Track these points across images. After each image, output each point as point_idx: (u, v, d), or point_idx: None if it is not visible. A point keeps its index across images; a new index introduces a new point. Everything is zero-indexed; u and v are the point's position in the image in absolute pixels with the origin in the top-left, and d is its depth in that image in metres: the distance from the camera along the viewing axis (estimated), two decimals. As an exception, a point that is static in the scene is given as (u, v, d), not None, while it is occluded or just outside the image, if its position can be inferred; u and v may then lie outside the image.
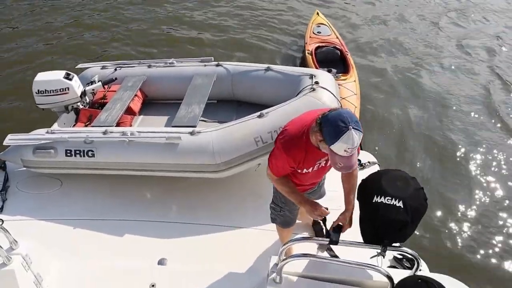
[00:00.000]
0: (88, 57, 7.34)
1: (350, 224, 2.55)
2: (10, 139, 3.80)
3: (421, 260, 2.32)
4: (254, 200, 3.81)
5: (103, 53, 7.74)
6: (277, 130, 3.42)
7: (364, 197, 2.35)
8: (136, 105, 4.46)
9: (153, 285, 3.03)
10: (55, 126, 4.25)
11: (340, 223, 2.47)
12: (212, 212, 3.70)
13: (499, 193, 5.12)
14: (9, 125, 5.82)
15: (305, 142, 2.39)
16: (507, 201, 5.00)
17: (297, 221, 3.23)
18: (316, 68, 6.25)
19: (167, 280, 3.11)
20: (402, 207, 2.15)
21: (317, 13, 8.01)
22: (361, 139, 2.14)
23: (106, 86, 4.60)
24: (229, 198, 3.84)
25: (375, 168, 4.07)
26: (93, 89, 4.54)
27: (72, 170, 3.85)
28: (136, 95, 4.47)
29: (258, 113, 3.60)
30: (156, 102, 4.75)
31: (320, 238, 2.50)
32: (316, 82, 3.90)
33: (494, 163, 5.56)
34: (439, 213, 4.83)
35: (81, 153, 3.69)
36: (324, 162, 2.56)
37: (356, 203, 2.53)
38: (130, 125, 4.24)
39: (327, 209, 2.55)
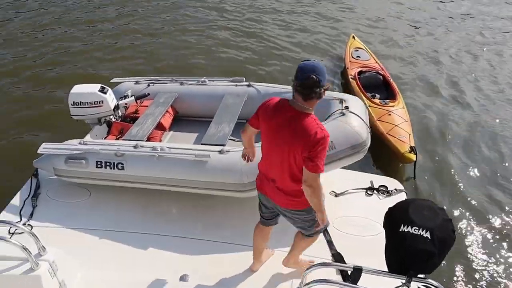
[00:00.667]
0: (125, 69, 7.67)
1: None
2: (44, 148, 3.92)
3: (447, 293, 2.28)
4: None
5: (137, 68, 7.96)
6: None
7: (391, 225, 2.31)
8: (167, 121, 4.55)
9: None
10: (87, 138, 4.37)
11: None
12: (236, 231, 3.70)
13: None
14: (43, 134, 6.07)
15: None
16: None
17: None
18: (363, 93, 6.25)
19: None
20: (429, 237, 2.11)
21: (353, 37, 8.02)
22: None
23: (138, 101, 4.71)
24: (254, 218, 3.83)
25: (402, 196, 4.03)
26: (126, 103, 4.66)
27: (101, 181, 3.92)
28: (167, 111, 4.56)
29: None
30: (186, 119, 4.83)
31: (343, 265, 2.48)
32: (346, 107, 3.91)
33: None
34: (467, 245, 4.71)
35: (111, 165, 3.77)
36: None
37: (383, 231, 2.50)
38: (160, 140, 4.32)
39: None
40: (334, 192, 4.05)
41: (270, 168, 2.77)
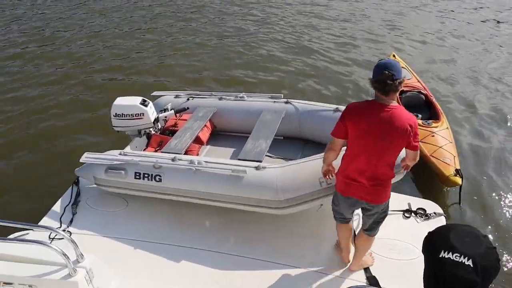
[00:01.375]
0: (176, 76, 8.11)
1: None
2: (86, 157, 4.03)
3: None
4: (313, 240, 3.76)
5: (178, 84, 8.15)
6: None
7: (430, 251, 2.24)
8: (205, 135, 4.61)
9: None
10: (127, 149, 4.47)
11: None
12: (269, 248, 3.69)
13: None
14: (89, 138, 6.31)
15: None
16: None
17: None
18: None
19: None
20: (471, 265, 2.02)
21: (393, 55, 7.90)
22: None
23: (178, 114, 4.80)
24: (288, 236, 3.81)
25: (441, 219, 3.92)
26: (165, 117, 4.75)
27: (139, 192, 3.99)
28: (205, 126, 4.62)
29: None
30: (224, 134, 4.88)
31: None
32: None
33: None
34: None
35: (149, 177, 3.84)
36: None
37: (420, 255, 2.43)
38: (197, 154, 4.37)
39: None
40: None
41: (365, 166, 2.92)
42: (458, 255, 2.07)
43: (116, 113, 4.43)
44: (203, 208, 3.99)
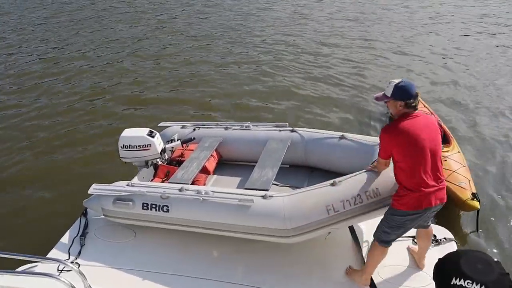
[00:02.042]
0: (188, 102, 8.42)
1: None
2: (94, 188, 4.05)
3: None
4: (320, 269, 3.72)
5: (183, 114, 8.28)
6: (350, 200, 3.39)
7: (441, 278, 2.23)
8: (211, 165, 4.63)
9: None
10: (135, 180, 4.48)
11: None
12: (278, 277, 3.65)
13: None
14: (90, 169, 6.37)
15: None
16: None
17: None
18: None
19: None
20: (484, 292, 2.01)
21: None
22: None
23: (184, 145, 4.84)
24: (297, 264, 3.78)
25: (452, 245, 3.88)
26: (172, 147, 4.79)
27: (147, 223, 3.99)
28: (212, 155, 4.65)
29: (331, 181, 3.57)
30: (230, 163, 4.91)
31: None
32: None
33: None
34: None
35: (157, 208, 3.84)
36: None
37: (432, 283, 2.41)
38: (204, 184, 4.38)
39: None
40: (379, 240, 3.94)
41: (430, 173, 3.15)
42: (470, 282, 2.06)
43: (123, 145, 4.47)
44: (211, 238, 3.98)
